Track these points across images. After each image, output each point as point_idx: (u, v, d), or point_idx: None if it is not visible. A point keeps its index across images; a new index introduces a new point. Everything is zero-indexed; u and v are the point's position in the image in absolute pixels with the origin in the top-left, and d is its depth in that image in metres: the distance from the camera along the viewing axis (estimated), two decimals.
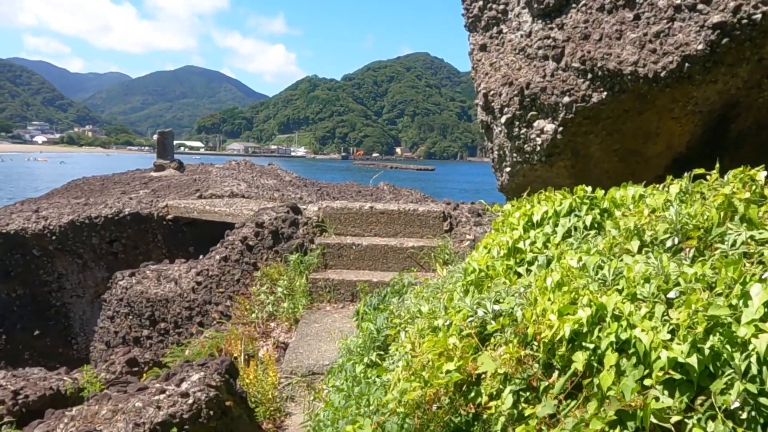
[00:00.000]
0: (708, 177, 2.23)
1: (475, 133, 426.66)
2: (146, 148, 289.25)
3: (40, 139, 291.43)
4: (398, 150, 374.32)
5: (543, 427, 1.64)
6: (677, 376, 1.49)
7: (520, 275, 2.42)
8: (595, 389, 1.59)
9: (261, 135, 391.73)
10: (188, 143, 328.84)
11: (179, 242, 8.24)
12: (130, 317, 5.45)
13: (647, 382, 1.53)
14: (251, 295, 4.90)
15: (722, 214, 1.92)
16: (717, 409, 1.41)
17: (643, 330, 1.58)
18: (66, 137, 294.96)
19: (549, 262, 2.33)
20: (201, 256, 6.02)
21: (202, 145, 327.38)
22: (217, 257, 5.29)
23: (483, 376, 1.92)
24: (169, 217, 8.11)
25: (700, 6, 2.81)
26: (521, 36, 3.56)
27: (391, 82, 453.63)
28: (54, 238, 7.76)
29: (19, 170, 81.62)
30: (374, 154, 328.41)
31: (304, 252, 5.14)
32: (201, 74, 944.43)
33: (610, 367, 1.58)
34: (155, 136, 13.37)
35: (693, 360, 1.46)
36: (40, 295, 8.05)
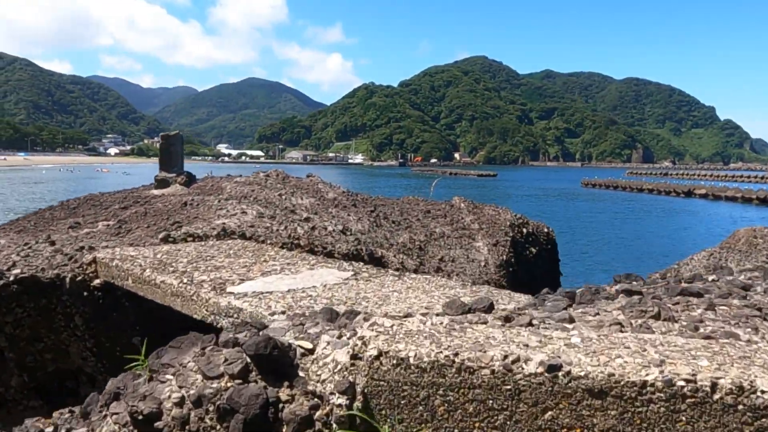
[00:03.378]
0: None
1: (537, 137, 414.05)
2: (209, 158, 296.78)
3: (113, 151, 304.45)
4: (457, 155, 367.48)
5: None
6: None
7: None
8: None
9: (319, 143, 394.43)
10: (249, 152, 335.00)
11: (115, 326, 4.53)
12: None
13: None
14: None
15: None
16: None
17: None
18: (136, 149, 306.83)
19: None
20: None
21: (263, 154, 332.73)
22: None
23: None
24: (97, 282, 4.41)
25: None
26: None
27: (448, 87, 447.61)
28: None
29: (82, 181, 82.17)
30: (432, 160, 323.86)
31: None
32: (262, 86, 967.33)
33: None
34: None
35: None
36: None
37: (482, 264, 9.40)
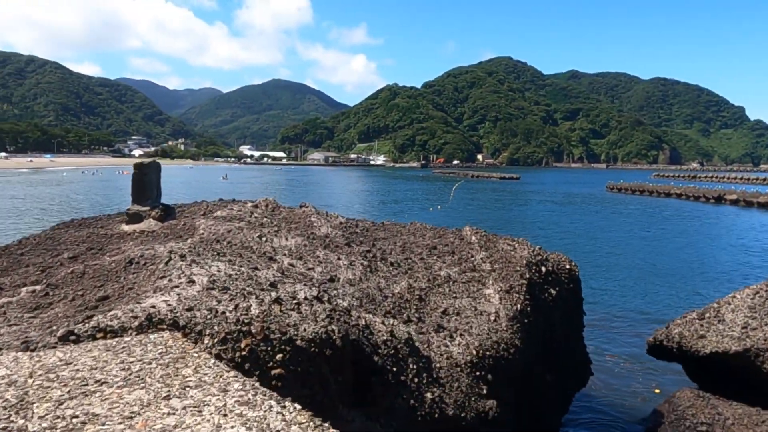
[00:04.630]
0: None
1: (562, 138, 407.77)
2: (232, 159, 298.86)
3: (137, 152, 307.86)
4: (479, 157, 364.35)
5: None
6: None
7: None
8: None
9: (341, 144, 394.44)
10: (272, 154, 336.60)
11: None
12: None
13: None
14: None
15: None
16: None
17: None
18: (160, 150, 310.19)
19: None
20: None
21: (285, 156, 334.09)
22: None
23: None
24: None
25: None
26: None
27: (472, 88, 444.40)
28: None
29: (99, 183, 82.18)
30: (455, 162, 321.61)
31: None
32: (286, 87, 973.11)
33: None
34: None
35: None
36: None
37: (492, 318, 8.10)
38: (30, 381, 3.33)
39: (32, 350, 3.79)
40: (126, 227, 9.09)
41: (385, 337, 6.11)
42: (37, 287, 5.61)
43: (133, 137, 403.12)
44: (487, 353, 7.39)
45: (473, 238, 10.98)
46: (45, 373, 3.45)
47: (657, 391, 12.28)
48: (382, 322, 6.41)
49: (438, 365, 6.66)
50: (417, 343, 6.70)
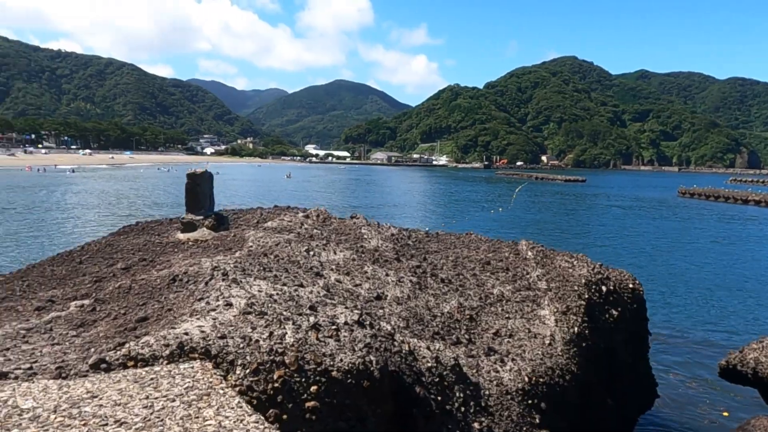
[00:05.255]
0: None
1: (630, 139, 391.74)
2: (298, 158, 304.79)
3: (209, 150, 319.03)
4: (544, 158, 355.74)
5: None
6: None
7: None
8: None
9: (404, 144, 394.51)
10: (336, 153, 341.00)
11: None
12: None
13: None
14: None
15: None
16: None
17: None
18: (230, 149, 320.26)
19: None
20: None
21: (349, 155, 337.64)
22: None
23: None
24: None
25: None
26: None
27: (535, 88, 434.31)
28: None
29: (171, 179, 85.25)
30: (518, 163, 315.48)
31: None
32: (349, 88, 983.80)
33: None
34: (200, 170, 8.95)
35: None
36: None
37: (547, 342, 7.66)
38: (53, 417, 3.26)
39: (64, 377, 3.78)
40: (181, 235, 9.22)
41: (430, 364, 5.83)
42: (86, 302, 5.69)
43: (205, 136, 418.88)
44: (541, 380, 6.97)
45: (529, 253, 10.50)
46: (69, 407, 3.38)
47: (725, 414, 11.47)
48: (428, 347, 6.13)
49: (487, 392, 6.32)
50: (465, 369, 6.39)
